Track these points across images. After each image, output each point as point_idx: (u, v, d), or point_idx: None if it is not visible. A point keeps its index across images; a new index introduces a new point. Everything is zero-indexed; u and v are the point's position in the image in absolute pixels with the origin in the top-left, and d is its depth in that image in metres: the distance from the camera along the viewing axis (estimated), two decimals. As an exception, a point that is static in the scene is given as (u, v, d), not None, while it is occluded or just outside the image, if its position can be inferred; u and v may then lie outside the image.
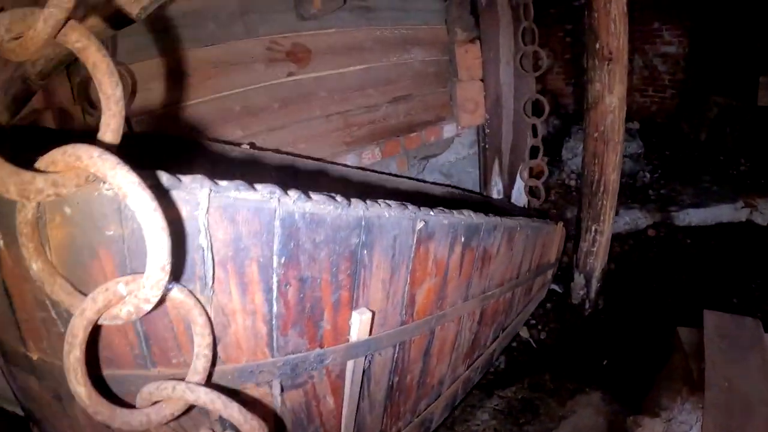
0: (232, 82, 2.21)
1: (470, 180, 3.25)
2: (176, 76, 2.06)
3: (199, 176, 0.82)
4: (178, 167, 0.88)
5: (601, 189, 2.64)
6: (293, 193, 0.91)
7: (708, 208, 3.73)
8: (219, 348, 0.93)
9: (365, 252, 1.10)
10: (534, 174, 3.11)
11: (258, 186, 0.88)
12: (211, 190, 0.82)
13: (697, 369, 1.79)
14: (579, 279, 2.84)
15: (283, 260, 0.95)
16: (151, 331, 0.88)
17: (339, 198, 1.01)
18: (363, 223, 1.06)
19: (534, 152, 2.87)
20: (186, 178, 0.81)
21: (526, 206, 3.08)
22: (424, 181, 2.88)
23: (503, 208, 2.87)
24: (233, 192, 0.84)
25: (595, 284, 2.83)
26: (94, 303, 0.71)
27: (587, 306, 2.87)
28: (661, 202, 3.95)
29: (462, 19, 2.96)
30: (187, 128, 2.10)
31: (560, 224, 2.55)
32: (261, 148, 2.11)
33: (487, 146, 3.13)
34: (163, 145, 1.78)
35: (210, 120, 2.15)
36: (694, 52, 5.14)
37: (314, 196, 0.96)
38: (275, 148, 2.24)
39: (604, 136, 2.57)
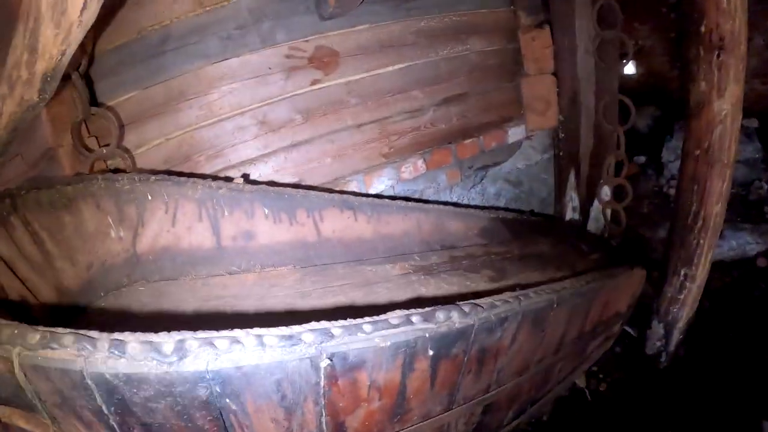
0: (247, 98, 1.98)
1: (545, 188, 2.78)
2: (179, 99, 1.88)
3: (20, 329, 0.80)
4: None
5: (699, 224, 2.08)
6: (105, 345, 0.78)
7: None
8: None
9: (228, 401, 0.87)
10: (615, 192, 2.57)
11: (67, 339, 0.78)
12: (20, 350, 0.79)
13: None
14: (657, 328, 2.33)
15: (113, 409, 0.83)
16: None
17: (173, 341, 0.80)
18: (210, 376, 0.82)
19: (617, 168, 2.33)
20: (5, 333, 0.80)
21: (604, 230, 2.57)
22: (460, 205, 2.47)
23: (564, 238, 2.38)
24: (40, 351, 0.79)
25: (676, 336, 2.32)
26: None
27: (663, 359, 2.37)
28: (780, 224, 3.13)
29: (527, -3, 2.42)
30: (193, 156, 1.93)
31: (638, 269, 2.05)
32: (255, 182, 1.88)
33: (561, 154, 2.61)
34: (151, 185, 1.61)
35: (220, 143, 1.97)
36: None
37: (132, 346, 0.78)
38: (269, 181, 2.03)
39: (708, 156, 1.96)
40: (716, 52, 1.79)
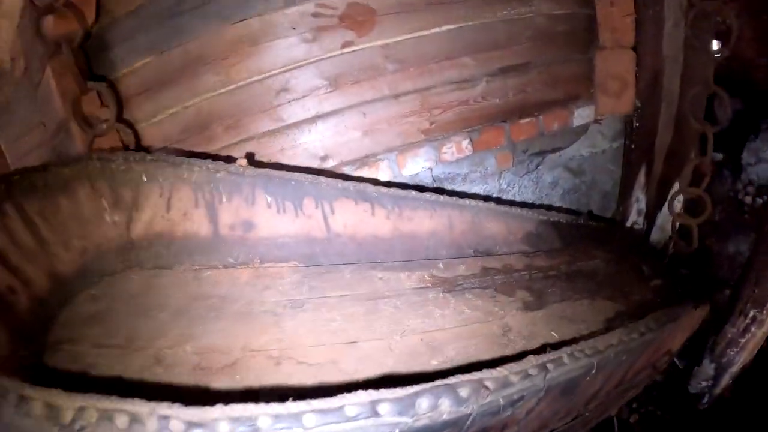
0: (268, 63, 1.78)
1: (610, 181, 2.38)
2: (197, 64, 1.72)
3: None
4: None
5: None
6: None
7: None
8: None
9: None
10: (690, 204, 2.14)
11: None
12: None
13: None
14: (707, 368, 2.02)
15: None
16: None
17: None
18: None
19: (697, 178, 1.89)
20: None
21: (669, 243, 2.17)
22: (504, 202, 2.15)
23: (624, 253, 2.02)
24: None
25: (726, 379, 2.00)
26: None
27: (706, 400, 2.07)
28: None
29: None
30: (211, 125, 1.81)
31: (702, 307, 1.71)
32: (260, 163, 1.71)
33: (632, 146, 2.18)
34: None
35: (238, 111, 1.81)
36: None
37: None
38: (275, 163, 1.85)
39: None
40: None
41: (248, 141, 1.85)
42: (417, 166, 2.04)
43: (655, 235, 2.18)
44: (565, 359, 1.10)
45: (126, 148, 1.67)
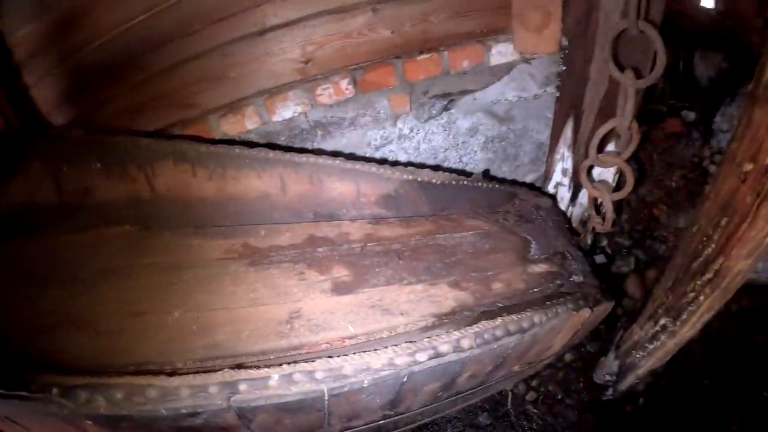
0: None
1: (546, 131, 1.97)
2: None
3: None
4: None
5: (707, 276, 1.32)
6: None
7: None
8: None
9: None
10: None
11: None
12: None
13: None
14: (611, 364, 1.73)
15: None
16: None
17: None
18: None
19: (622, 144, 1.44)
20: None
21: (587, 222, 1.79)
22: (384, 162, 1.82)
23: (515, 225, 1.67)
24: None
25: (630, 380, 1.72)
26: None
27: (610, 393, 1.82)
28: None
29: None
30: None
31: (599, 308, 1.40)
32: (98, 131, 1.53)
33: (559, 95, 1.75)
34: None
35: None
36: None
37: None
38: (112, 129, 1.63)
39: (764, 181, 1.14)
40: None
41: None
42: (288, 110, 1.76)
43: (578, 208, 1.84)
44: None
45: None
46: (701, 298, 1.35)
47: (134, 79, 1.66)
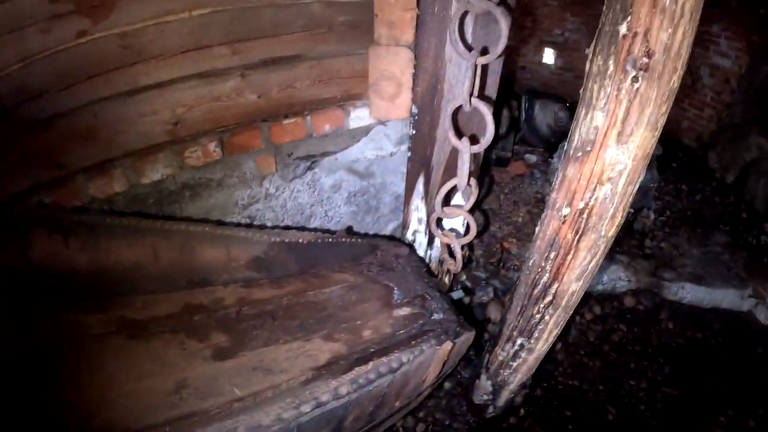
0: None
1: (402, 183, 2.18)
2: None
3: None
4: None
5: (547, 300, 1.57)
6: None
7: (709, 288, 2.83)
8: None
9: None
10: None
11: None
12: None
13: None
14: (485, 384, 1.95)
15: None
16: None
17: None
18: None
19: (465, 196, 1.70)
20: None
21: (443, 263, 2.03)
22: (252, 225, 1.92)
23: (377, 274, 1.81)
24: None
25: (506, 395, 1.95)
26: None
27: (491, 410, 2.05)
28: (656, 261, 2.94)
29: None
30: None
31: (446, 345, 1.58)
32: None
33: (410, 155, 1.99)
34: None
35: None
36: (751, 76, 4.03)
37: None
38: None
39: (580, 221, 1.38)
40: (634, 73, 1.10)
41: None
42: (157, 173, 1.74)
43: (435, 251, 2.06)
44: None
45: None
46: (546, 317, 1.60)
47: (3, 133, 1.53)
